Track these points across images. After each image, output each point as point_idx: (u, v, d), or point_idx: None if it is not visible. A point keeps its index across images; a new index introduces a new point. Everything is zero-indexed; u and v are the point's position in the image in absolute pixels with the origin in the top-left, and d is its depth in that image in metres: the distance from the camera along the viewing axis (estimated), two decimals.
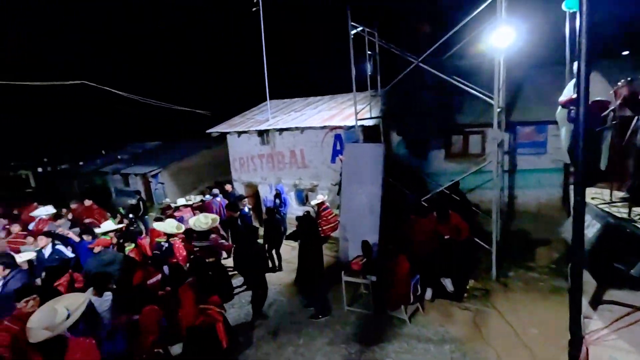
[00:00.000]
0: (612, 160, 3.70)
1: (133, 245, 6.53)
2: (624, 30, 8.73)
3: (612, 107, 3.51)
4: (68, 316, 3.20)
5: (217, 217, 7.33)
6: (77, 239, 6.80)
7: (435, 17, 8.10)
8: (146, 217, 10.83)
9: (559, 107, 4.41)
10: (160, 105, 15.85)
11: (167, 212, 9.16)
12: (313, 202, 8.96)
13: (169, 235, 6.47)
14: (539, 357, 4.60)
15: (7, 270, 4.75)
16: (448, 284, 6.18)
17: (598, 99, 3.56)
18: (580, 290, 2.43)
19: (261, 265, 6.26)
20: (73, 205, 10.23)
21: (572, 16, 4.73)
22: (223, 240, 7.21)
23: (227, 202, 9.67)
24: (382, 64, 8.45)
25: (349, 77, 7.95)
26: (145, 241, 7.24)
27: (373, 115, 8.74)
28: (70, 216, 9.16)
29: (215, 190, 10.15)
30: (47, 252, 6.03)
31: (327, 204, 8.99)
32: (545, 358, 4.56)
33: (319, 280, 6.09)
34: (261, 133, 11.47)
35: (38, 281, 5.42)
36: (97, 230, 6.93)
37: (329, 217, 8.75)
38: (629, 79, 3.19)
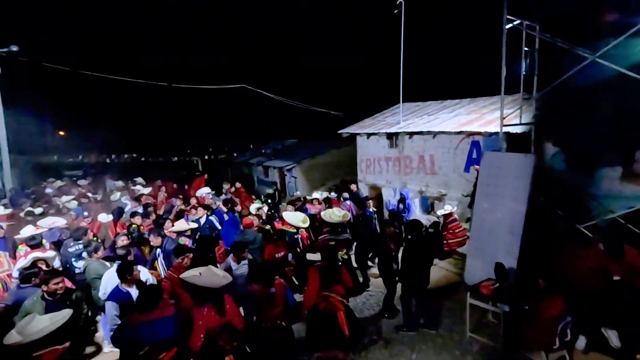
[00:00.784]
0: None
1: (269, 227, 7.57)
2: None
3: None
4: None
5: (349, 213, 7.60)
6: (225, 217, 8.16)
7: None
8: (280, 205, 12.17)
9: None
10: (300, 106, 17.63)
11: (296, 203, 9.88)
12: (440, 212, 8.39)
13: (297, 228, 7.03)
14: None
15: (159, 238, 6.12)
16: (613, 337, 4.84)
17: None
18: None
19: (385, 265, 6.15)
20: (226, 186, 12.43)
21: None
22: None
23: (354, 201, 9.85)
24: (541, 61, 7.21)
25: (493, 79, 7.06)
26: (279, 225, 8.07)
27: (523, 122, 7.56)
28: (227, 195, 11.36)
29: (346, 194, 10.14)
30: (202, 220, 7.71)
31: (456, 215, 8.30)
32: None
33: (419, 293, 5.66)
34: (390, 136, 11.38)
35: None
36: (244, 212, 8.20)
37: (457, 230, 8.06)
38: None
